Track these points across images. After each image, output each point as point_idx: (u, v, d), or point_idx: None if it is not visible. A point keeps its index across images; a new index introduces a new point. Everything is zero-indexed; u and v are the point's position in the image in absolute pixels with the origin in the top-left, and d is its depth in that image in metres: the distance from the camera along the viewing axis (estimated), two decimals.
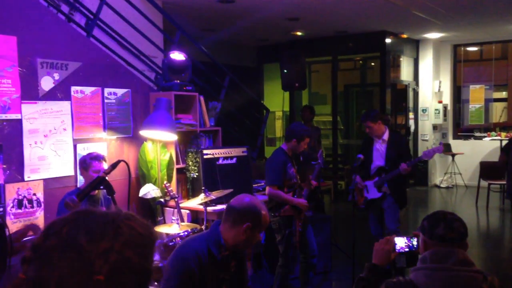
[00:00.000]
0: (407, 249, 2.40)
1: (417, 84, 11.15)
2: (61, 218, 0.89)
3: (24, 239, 2.66)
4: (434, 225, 2.14)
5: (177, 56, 5.18)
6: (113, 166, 2.72)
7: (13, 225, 3.75)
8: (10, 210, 3.93)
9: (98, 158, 3.81)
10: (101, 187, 2.71)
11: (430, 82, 11.10)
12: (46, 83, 4.21)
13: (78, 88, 4.47)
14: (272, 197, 4.35)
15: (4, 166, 3.93)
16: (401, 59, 10.81)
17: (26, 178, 4.06)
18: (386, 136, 4.98)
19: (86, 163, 3.78)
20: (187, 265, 2.34)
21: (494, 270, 4.80)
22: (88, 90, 4.56)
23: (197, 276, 2.35)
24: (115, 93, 4.81)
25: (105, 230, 0.86)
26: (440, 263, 2.04)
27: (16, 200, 3.98)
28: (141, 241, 0.89)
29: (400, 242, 2.41)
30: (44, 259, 0.82)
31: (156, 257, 3.98)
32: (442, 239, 2.09)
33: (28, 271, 0.82)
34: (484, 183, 8.96)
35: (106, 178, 2.62)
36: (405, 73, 10.96)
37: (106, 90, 4.72)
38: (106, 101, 4.72)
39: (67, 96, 4.38)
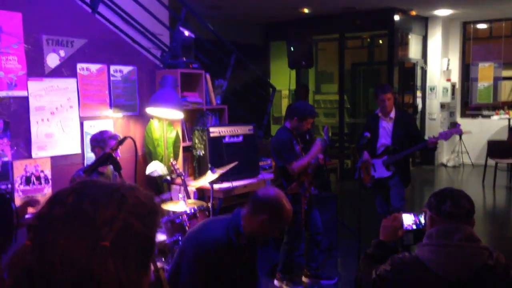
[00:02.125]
0: (414, 227, 2.40)
1: (425, 62, 11.04)
2: (66, 188, 0.90)
3: (26, 216, 2.69)
4: (441, 201, 2.14)
5: (185, 33, 5.15)
6: (120, 142, 2.72)
7: (20, 201, 3.79)
8: (18, 186, 3.97)
9: (115, 137, 3.81)
10: (108, 163, 2.72)
11: (438, 60, 10.98)
12: (52, 60, 4.20)
13: (84, 65, 4.46)
14: (299, 171, 4.29)
15: (12, 143, 3.95)
16: (409, 37, 10.68)
17: (33, 155, 4.09)
18: (393, 114, 4.95)
19: (105, 142, 3.76)
20: (208, 253, 2.36)
21: (500, 248, 4.80)
22: (94, 67, 4.54)
23: (216, 263, 2.38)
24: (121, 71, 4.79)
25: (110, 199, 0.86)
26: (446, 239, 2.04)
27: (24, 177, 4.01)
28: (145, 211, 0.90)
29: (408, 220, 2.41)
30: (50, 227, 0.83)
31: (164, 235, 4.01)
32: (449, 215, 2.09)
33: (34, 238, 0.83)
34: (491, 162, 8.92)
35: (113, 154, 2.62)
36: (413, 51, 10.84)
37: (112, 68, 4.71)
38: (112, 78, 4.71)
39: (73, 73, 4.38)
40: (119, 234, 0.83)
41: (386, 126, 4.96)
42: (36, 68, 4.08)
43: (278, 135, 4.45)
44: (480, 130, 10.73)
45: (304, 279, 4.62)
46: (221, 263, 2.41)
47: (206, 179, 4.25)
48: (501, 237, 6.11)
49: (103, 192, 0.88)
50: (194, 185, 4.78)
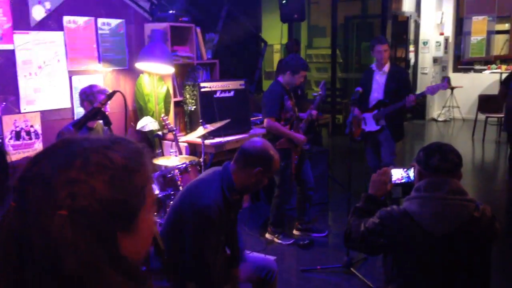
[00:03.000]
0: (403, 181, 2.44)
1: (419, 15, 10.89)
2: (46, 148, 0.86)
3: None
4: (429, 155, 2.16)
5: None
6: (109, 96, 2.69)
7: (12, 156, 3.78)
8: (9, 141, 3.94)
9: (104, 92, 3.75)
10: (98, 118, 2.70)
11: (432, 13, 10.83)
12: (38, 12, 4.09)
13: (71, 18, 4.35)
14: (269, 129, 4.35)
15: (0, 97, 3.90)
16: None
17: (22, 110, 4.05)
18: (386, 68, 4.92)
19: (94, 96, 3.70)
20: (210, 217, 2.39)
21: (487, 200, 4.91)
22: (81, 20, 4.44)
23: (217, 224, 2.42)
24: (108, 24, 4.68)
25: (72, 160, 0.81)
26: (433, 192, 2.08)
27: (13, 131, 3.98)
28: (115, 172, 0.83)
29: (397, 174, 2.44)
30: (23, 189, 0.80)
31: (156, 189, 4.04)
32: (437, 169, 2.12)
33: (16, 200, 0.80)
34: (481, 116, 8.97)
35: (102, 109, 2.60)
36: (407, 4, 10.67)
37: (100, 21, 4.60)
38: (99, 32, 4.61)
39: (59, 26, 4.28)
40: (78, 198, 0.78)
41: (379, 79, 4.94)
42: (21, 20, 3.98)
43: (270, 89, 4.43)
44: (472, 85, 10.73)
45: (295, 232, 4.71)
46: (221, 220, 2.45)
47: (197, 134, 4.25)
48: (489, 190, 6.23)
49: (67, 153, 0.82)
50: (185, 140, 4.79)
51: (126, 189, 0.84)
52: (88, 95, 3.74)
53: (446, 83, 4.86)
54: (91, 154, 0.83)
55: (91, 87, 3.81)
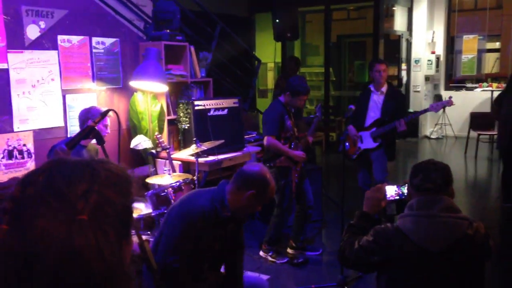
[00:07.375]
0: (397, 197, 2.44)
1: (410, 34, 11.03)
2: (36, 169, 0.89)
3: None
4: (413, 175, 2.20)
5: (167, 4, 5.05)
6: (103, 115, 2.69)
7: (4, 176, 3.75)
8: (1, 160, 3.92)
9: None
10: (91, 136, 2.69)
11: (423, 32, 10.97)
12: (32, 31, 4.11)
13: (65, 37, 4.37)
14: (270, 147, 4.34)
15: None
16: (394, 8, 10.63)
17: (15, 129, 4.03)
18: (384, 89, 5.01)
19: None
20: (192, 220, 2.38)
21: (480, 218, 4.91)
22: (75, 39, 4.45)
23: (198, 231, 2.40)
24: (103, 43, 4.71)
25: (82, 173, 0.86)
26: (426, 210, 2.08)
27: (6, 151, 3.96)
28: (118, 180, 0.89)
29: (391, 191, 2.45)
30: (25, 208, 0.82)
31: (150, 208, 4.02)
32: (418, 188, 2.14)
33: (10, 222, 0.81)
34: (473, 134, 9.03)
35: (96, 127, 2.60)
36: (399, 23, 10.81)
37: (94, 40, 4.62)
38: (94, 50, 4.63)
39: (54, 45, 4.29)
40: (96, 207, 0.82)
41: (377, 99, 5.02)
42: (16, 40, 3.99)
43: (271, 107, 4.45)
44: (463, 103, 10.80)
45: (289, 250, 4.68)
46: (206, 234, 2.42)
47: (191, 153, 4.25)
48: (482, 208, 6.24)
49: (74, 168, 0.87)
50: (179, 158, 4.78)
51: (128, 196, 0.90)
52: (94, 116, 3.72)
53: (450, 99, 4.92)
54: (96, 168, 0.87)
55: (95, 108, 3.80)
